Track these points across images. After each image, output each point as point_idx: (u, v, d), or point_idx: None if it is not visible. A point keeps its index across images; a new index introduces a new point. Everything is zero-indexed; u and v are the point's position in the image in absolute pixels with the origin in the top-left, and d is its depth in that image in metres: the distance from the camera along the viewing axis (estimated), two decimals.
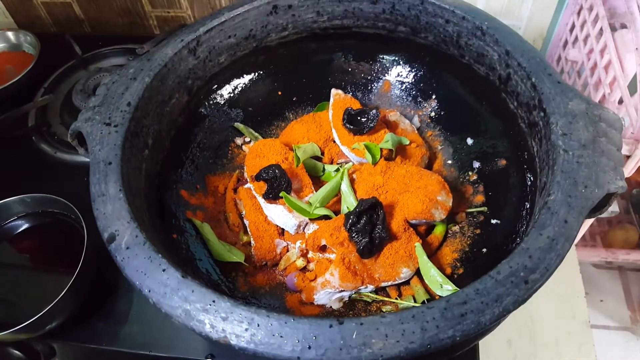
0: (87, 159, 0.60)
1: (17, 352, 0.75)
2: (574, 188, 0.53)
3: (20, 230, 0.78)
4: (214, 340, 0.45)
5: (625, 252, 1.24)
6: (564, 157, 0.55)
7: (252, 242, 0.69)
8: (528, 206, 0.61)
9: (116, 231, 0.52)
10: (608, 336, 1.24)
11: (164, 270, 0.49)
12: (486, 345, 0.75)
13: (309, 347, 0.44)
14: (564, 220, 0.51)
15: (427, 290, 0.63)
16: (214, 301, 0.47)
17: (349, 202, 0.68)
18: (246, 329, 0.45)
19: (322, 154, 0.77)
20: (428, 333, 0.45)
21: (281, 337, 0.45)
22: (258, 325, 0.45)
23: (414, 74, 0.82)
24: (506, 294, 0.47)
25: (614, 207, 1.16)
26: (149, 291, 0.48)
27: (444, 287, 0.61)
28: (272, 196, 0.67)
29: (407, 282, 0.65)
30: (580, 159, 0.55)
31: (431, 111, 0.81)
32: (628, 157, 0.78)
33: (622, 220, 1.34)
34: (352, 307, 0.65)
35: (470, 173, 0.74)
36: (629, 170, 0.80)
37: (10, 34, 1.11)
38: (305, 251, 0.68)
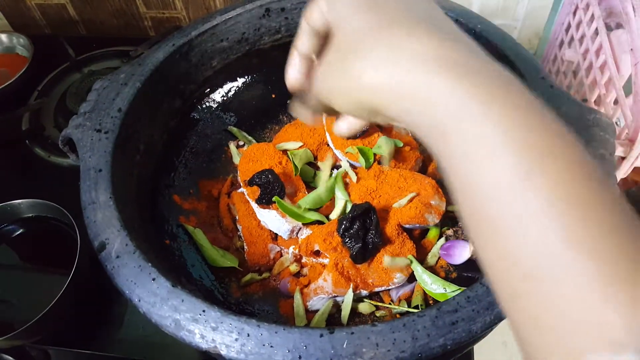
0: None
1: (11, 358, 0.75)
2: None
3: (13, 235, 0.78)
4: (204, 350, 0.45)
5: None
6: None
7: (246, 247, 0.69)
8: None
9: (106, 239, 0.52)
10: None
11: (153, 279, 0.49)
12: (481, 347, 0.74)
13: (300, 357, 0.44)
14: None
15: (424, 294, 0.63)
16: (204, 311, 0.47)
17: (342, 207, 0.68)
18: (236, 339, 0.45)
19: (316, 158, 0.77)
20: (419, 342, 0.44)
21: (271, 347, 0.45)
22: (248, 335, 0.45)
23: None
24: (498, 302, 0.47)
25: None
26: (139, 300, 0.48)
27: (448, 291, 0.61)
28: (265, 201, 0.66)
29: (401, 287, 0.64)
30: None
31: None
32: (623, 158, 0.78)
33: None
34: None
35: None
36: (624, 171, 0.80)
37: (3, 36, 1.11)
38: (298, 256, 0.68)
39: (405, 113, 0.32)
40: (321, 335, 0.45)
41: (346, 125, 0.46)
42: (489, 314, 0.46)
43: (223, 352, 0.45)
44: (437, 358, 0.47)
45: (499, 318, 0.46)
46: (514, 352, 0.88)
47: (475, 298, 0.46)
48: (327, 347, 0.44)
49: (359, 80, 0.33)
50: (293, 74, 0.42)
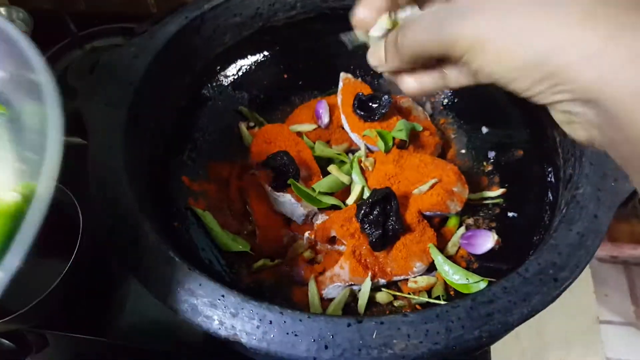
0: (84, 142, 0.57)
1: (7, 342, 0.71)
2: (604, 181, 0.50)
3: None
4: (224, 338, 0.42)
5: (631, 246, 1.22)
6: (593, 149, 0.52)
7: (257, 232, 0.66)
8: (551, 199, 0.59)
9: (118, 219, 0.49)
10: (612, 331, 1.22)
11: (168, 262, 0.46)
12: None
13: (326, 347, 0.41)
14: (594, 215, 0.48)
15: (445, 285, 0.61)
16: (223, 295, 0.44)
17: (359, 192, 0.65)
18: (257, 326, 0.42)
19: (329, 142, 0.74)
20: (453, 333, 0.42)
21: (295, 335, 0.42)
22: (270, 323, 0.43)
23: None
24: (534, 293, 0.44)
25: None
26: (153, 284, 0.45)
27: (470, 282, 0.58)
28: (279, 184, 0.63)
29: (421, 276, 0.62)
30: None
31: (444, 97, 0.77)
32: None
33: (628, 214, 1.32)
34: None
35: (485, 163, 0.71)
36: None
37: (1, 10, 1.06)
38: (313, 242, 0.65)
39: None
40: (349, 325, 0.42)
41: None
42: (526, 306, 0.44)
43: (244, 340, 0.42)
44: (469, 351, 0.44)
45: (536, 310, 0.44)
46: (527, 344, 0.86)
47: (512, 289, 0.44)
48: (355, 337, 0.42)
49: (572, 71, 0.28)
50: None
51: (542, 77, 0.29)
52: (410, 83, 0.40)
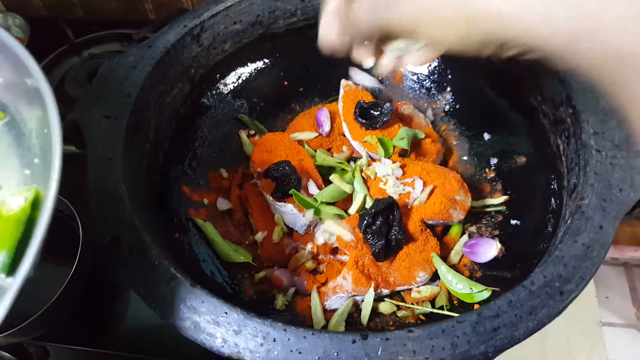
0: (79, 151, 0.56)
1: (8, 355, 0.71)
2: (609, 191, 0.50)
3: None
4: (227, 356, 0.42)
5: (633, 248, 1.22)
6: (597, 158, 0.52)
7: (259, 242, 0.65)
8: (554, 207, 0.58)
9: (118, 234, 0.49)
10: (614, 333, 1.21)
11: (171, 278, 0.45)
12: None
13: None
14: (599, 225, 0.48)
15: (448, 294, 0.60)
16: (226, 313, 0.43)
17: (361, 202, 0.65)
18: (261, 344, 0.42)
19: (330, 149, 0.73)
20: (459, 349, 0.41)
21: (300, 353, 0.41)
22: (274, 340, 0.42)
23: (427, 64, 0.78)
24: (541, 306, 0.44)
25: None
26: (155, 301, 0.45)
27: (474, 292, 0.57)
28: (281, 194, 0.63)
29: (424, 285, 0.61)
30: (614, 160, 0.51)
31: (445, 104, 0.77)
32: None
33: (629, 216, 1.32)
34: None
35: (487, 170, 0.71)
36: None
37: None
38: (315, 252, 0.64)
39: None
40: (353, 341, 0.42)
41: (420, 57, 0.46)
42: (532, 320, 0.43)
43: (247, 358, 0.42)
44: None
45: (542, 324, 0.44)
46: (529, 349, 0.86)
47: (518, 302, 0.44)
48: (360, 354, 0.41)
49: (493, 8, 0.32)
50: (332, 29, 0.47)
51: (486, 41, 0.34)
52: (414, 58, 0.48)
